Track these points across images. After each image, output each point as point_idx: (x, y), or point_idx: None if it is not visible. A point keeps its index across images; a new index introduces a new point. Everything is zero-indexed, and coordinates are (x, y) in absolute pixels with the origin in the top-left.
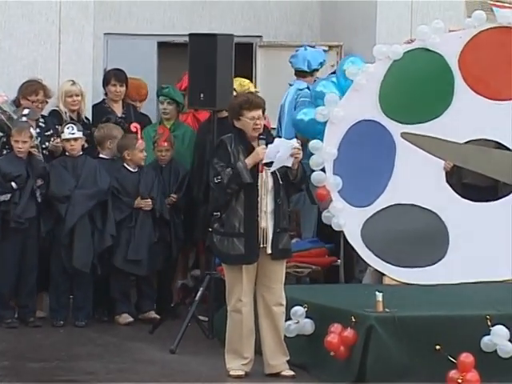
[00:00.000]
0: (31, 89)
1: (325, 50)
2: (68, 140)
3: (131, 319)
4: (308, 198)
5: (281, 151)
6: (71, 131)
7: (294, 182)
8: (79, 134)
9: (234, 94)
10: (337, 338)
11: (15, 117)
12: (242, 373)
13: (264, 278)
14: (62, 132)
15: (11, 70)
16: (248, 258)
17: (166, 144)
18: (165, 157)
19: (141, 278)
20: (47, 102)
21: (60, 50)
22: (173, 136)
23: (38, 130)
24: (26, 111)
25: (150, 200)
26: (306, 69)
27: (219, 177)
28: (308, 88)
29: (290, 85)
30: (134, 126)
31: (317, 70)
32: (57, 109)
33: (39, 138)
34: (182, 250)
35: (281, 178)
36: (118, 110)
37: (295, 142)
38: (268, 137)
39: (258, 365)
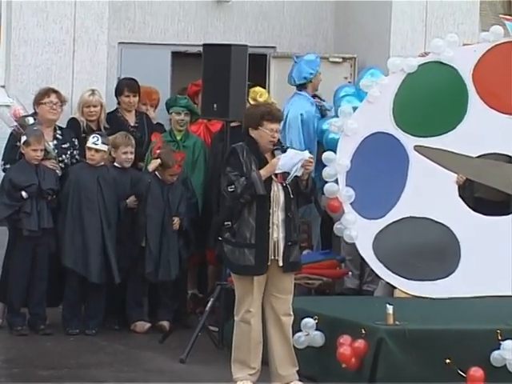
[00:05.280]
0: (42, 92)
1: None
2: (90, 148)
3: (149, 325)
4: (315, 209)
5: (295, 162)
6: (95, 141)
7: (304, 192)
8: (102, 147)
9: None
10: (349, 350)
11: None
12: (249, 383)
13: (274, 288)
14: (87, 139)
15: (25, 78)
16: (258, 270)
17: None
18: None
19: (161, 286)
20: (62, 106)
21: (74, 58)
22: (183, 146)
23: (55, 142)
24: (30, 120)
25: (177, 219)
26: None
27: (233, 186)
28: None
29: (298, 94)
30: (180, 155)
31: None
32: (75, 116)
33: (56, 151)
34: (191, 260)
35: (291, 192)
36: (131, 119)
37: (308, 154)
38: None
39: (264, 375)
